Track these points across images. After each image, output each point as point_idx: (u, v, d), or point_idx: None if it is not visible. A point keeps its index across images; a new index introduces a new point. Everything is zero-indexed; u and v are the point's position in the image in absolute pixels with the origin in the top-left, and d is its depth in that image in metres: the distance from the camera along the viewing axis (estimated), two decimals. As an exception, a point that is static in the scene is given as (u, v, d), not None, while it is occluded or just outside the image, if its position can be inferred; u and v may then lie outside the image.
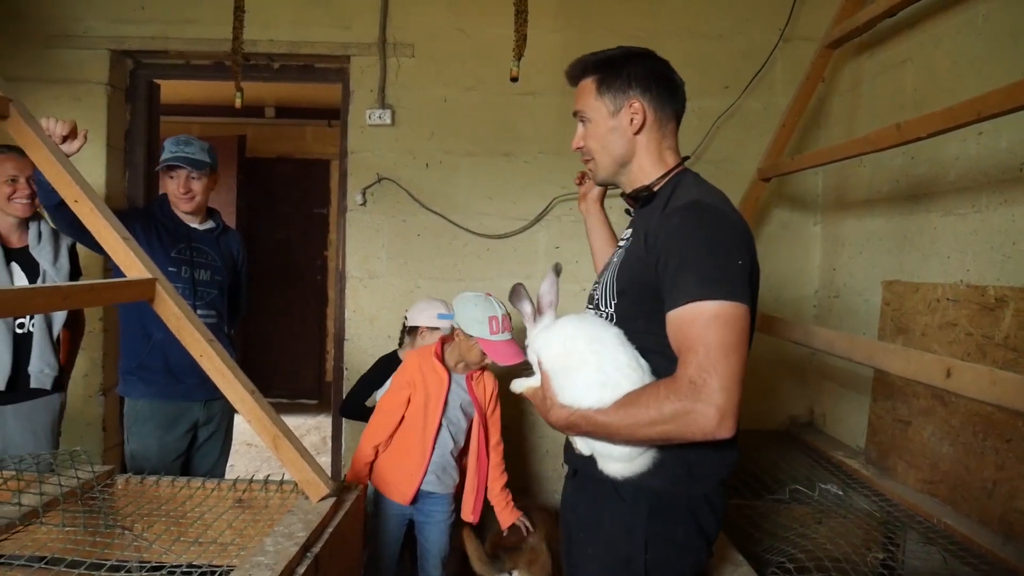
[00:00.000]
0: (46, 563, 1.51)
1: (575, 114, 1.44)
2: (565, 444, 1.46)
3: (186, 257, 2.48)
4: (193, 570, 1.55)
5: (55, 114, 3.02)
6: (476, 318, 2.18)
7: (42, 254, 2.31)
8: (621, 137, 1.37)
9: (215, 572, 1.52)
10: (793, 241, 3.15)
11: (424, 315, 2.56)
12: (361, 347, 3.19)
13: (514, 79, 2.17)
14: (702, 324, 1.12)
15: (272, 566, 1.42)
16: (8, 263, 2.23)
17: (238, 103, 2.63)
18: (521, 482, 3.17)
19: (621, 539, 1.30)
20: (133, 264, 1.77)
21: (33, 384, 2.31)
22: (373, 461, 2.32)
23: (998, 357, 1.85)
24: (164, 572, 1.54)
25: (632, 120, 1.35)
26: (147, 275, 1.75)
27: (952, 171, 2.14)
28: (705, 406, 1.09)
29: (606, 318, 1.36)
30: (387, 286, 3.17)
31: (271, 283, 6.12)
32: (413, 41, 3.12)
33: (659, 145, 1.38)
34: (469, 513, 2.34)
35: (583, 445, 1.34)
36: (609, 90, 1.36)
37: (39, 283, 2.23)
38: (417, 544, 2.41)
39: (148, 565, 1.59)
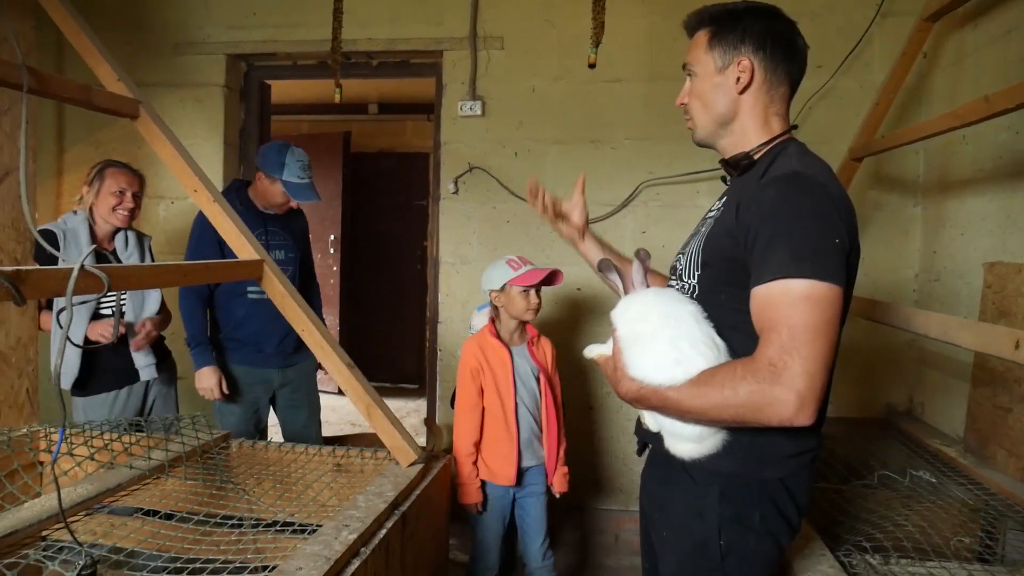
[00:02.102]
0: (169, 512, 1.71)
1: (684, 67, 1.35)
2: (637, 418, 1.41)
3: (263, 241, 2.71)
4: (294, 524, 1.71)
5: (180, 114, 3.37)
6: (498, 273, 2.32)
7: (130, 260, 2.53)
8: (725, 95, 1.28)
9: (310, 527, 1.67)
10: (891, 223, 3.03)
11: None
12: (453, 329, 3.33)
13: (591, 66, 2.22)
14: (788, 303, 1.06)
15: (363, 519, 1.56)
16: (100, 253, 2.45)
17: (337, 98, 2.82)
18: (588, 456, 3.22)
19: (693, 522, 1.26)
20: (244, 247, 1.95)
21: (143, 377, 2.57)
22: (476, 459, 2.36)
23: (1105, 340, 1.75)
24: (268, 524, 1.71)
25: (739, 78, 1.25)
26: (256, 257, 1.94)
27: (1060, 145, 2.03)
28: (784, 391, 1.03)
29: (688, 290, 1.31)
30: (478, 271, 3.28)
31: (374, 272, 6.41)
32: (502, 34, 3.21)
33: (766, 109, 1.28)
34: (552, 480, 2.38)
35: (651, 421, 1.30)
36: (720, 44, 1.27)
37: None
38: (517, 523, 2.44)
39: (255, 518, 1.77)
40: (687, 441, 1.23)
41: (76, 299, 1.33)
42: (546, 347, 2.45)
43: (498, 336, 2.37)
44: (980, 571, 1.50)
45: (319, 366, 2.62)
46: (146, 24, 3.45)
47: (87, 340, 2.38)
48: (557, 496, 2.41)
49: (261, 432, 2.87)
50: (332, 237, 5.81)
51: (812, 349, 1.04)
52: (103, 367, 2.49)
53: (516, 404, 2.32)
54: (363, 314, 6.34)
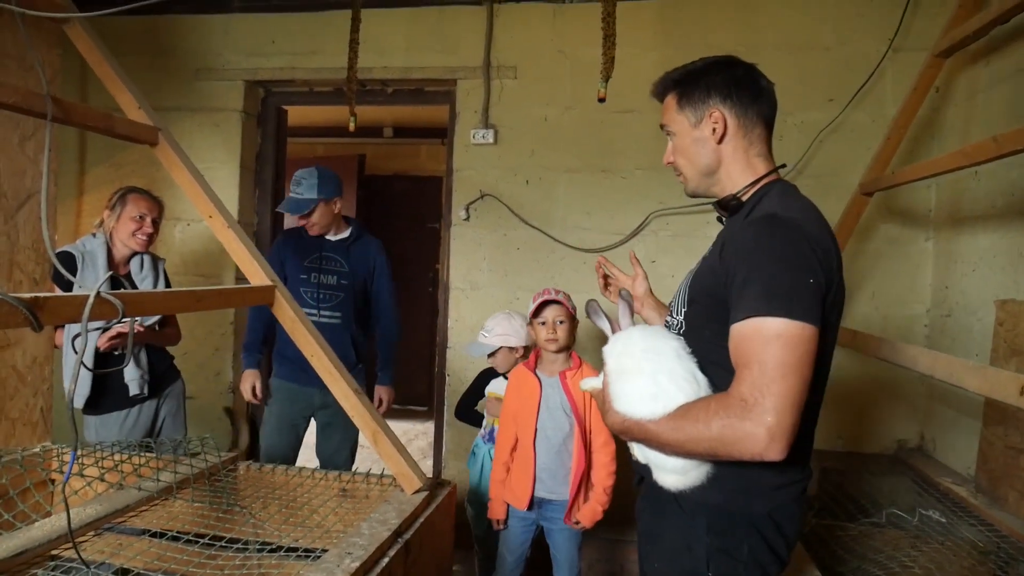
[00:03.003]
0: (176, 534, 1.73)
1: (662, 127, 1.43)
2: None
3: (316, 265, 2.87)
4: (298, 549, 1.73)
5: (199, 138, 3.43)
6: (526, 314, 2.45)
7: (144, 283, 2.58)
8: (704, 147, 1.35)
9: (315, 551, 1.69)
10: (902, 258, 3.03)
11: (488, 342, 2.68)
12: (462, 354, 3.35)
13: (601, 100, 2.25)
14: (761, 341, 1.09)
15: (366, 547, 1.57)
16: (117, 280, 2.49)
17: (351, 126, 2.87)
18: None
19: (682, 553, 1.29)
20: (256, 272, 1.99)
21: (132, 391, 2.55)
22: (505, 479, 2.43)
23: (1114, 381, 1.74)
24: (274, 548, 1.72)
25: (714, 130, 1.32)
26: (268, 282, 1.97)
27: (1069, 184, 2.03)
28: (755, 426, 1.05)
29: (677, 326, 1.37)
30: (488, 297, 3.32)
31: (386, 294, 6.44)
32: (515, 63, 3.27)
33: (746, 152, 1.34)
34: (571, 514, 2.35)
35: (639, 452, 1.34)
36: (689, 102, 1.34)
37: None
38: (551, 554, 2.47)
39: (261, 542, 1.78)
40: (671, 473, 1.27)
41: (91, 324, 1.36)
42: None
43: (536, 366, 2.40)
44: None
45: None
46: (168, 50, 3.54)
47: (98, 359, 2.42)
48: (575, 528, 2.36)
49: (296, 450, 3.00)
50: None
51: (782, 386, 1.06)
52: (114, 386, 2.52)
53: (536, 433, 2.33)
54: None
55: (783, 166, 1.39)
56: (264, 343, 2.93)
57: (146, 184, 3.18)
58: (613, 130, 3.20)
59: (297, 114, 4.43)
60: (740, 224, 1.26)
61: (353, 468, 2.37)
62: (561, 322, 2.34)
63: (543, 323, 2.35)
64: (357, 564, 1.47)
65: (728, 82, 1.32)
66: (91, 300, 1.31)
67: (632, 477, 1.45)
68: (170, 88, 3.51)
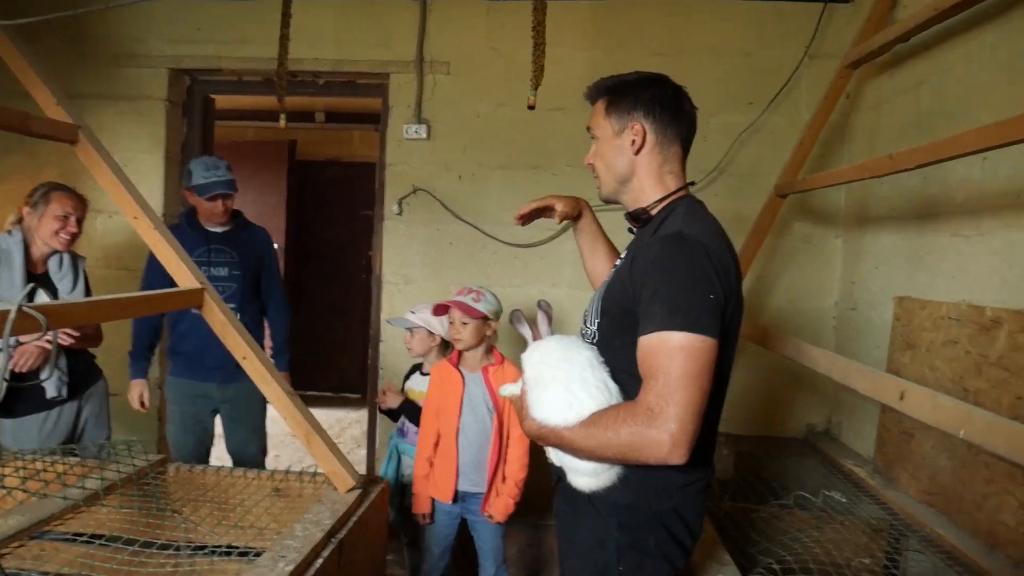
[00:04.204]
0: (105, 541, 1.72)
1: (588, 130, 1.50)
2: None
3: (205, 259, 2.80)
4: (232, 550, 1.75)
5: (120, 127, 3.33)
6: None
7: (62, 282, 2.51)
8: (622, 156, 1.42)
9: (249, 553, 1.71)
10: (815, 254, 3.21)
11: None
12: (395, 348, 3.38)
13: (531, 107, 2.30)
14: (665, 353, 1.16)
15: (299, 549, 1.60)
16: (35, 288, 2.40)
17: (282, 123, 2.84)
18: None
19: (595, 550, 1.37)
20: (184, 275, 1.97)
21: (49, 394, 2.47)
22: (429, 474, 2.46)
23: (992, 376, 1.91)
24: (207, 551, 1.74)
25: (634, 141, 1.39)
26: (196, 285, 1.95)
27: (960, 193, 2.20)
28: (659, 433, 1.13)
29: (590, 335, 1.44)
30: (421, 291, 3.35)
31: (319, 281, 6.38)
32: (449, 59, 3.28)
33: (660, 168, 1.42)
34: (485, 506, 2.41)
35: (555, 456, 1.41)
36: (616, 111, 1.42)
37: None
38: (475, 546, 2.53)
39: (194, 545, 1.79)
40: (584, 475, 1.35)
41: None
42: (508, 373, 2.41)
43: (459, 362, 2.44)
44: (876, 593, 1.63)
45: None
46: (84, 33, 3.40)
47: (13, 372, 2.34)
48: (489, 520, 2.43)
49: (207, 444, 2.98)
50: (276, 246, 5.75)
51: (684, 396, 1.14)
52: (31, 389, 2.44)
53: (458, 429, 2.38)
54: (307, 323, 6.29)
55: (692, 184, 1.48)
56: (150, 349, 2.90)
57: (64, 174, 3.08)
58: (545, 128, 3.26)
59: (225, 97, 4.32)
60: (648, 240, 1.34)
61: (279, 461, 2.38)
62: (464, 323, 2.39)
63: (451, 322, 2.42)
64: (291, 568, 1.50)
65: (654, 99, 1.41)
66: (12, 315, 1.29)
67: (549, 473, 1.53)
68: (88, 74, 3.38)
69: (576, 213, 1.76)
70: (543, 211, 1.74)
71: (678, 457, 1.14)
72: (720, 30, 3.20)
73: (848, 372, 1.58)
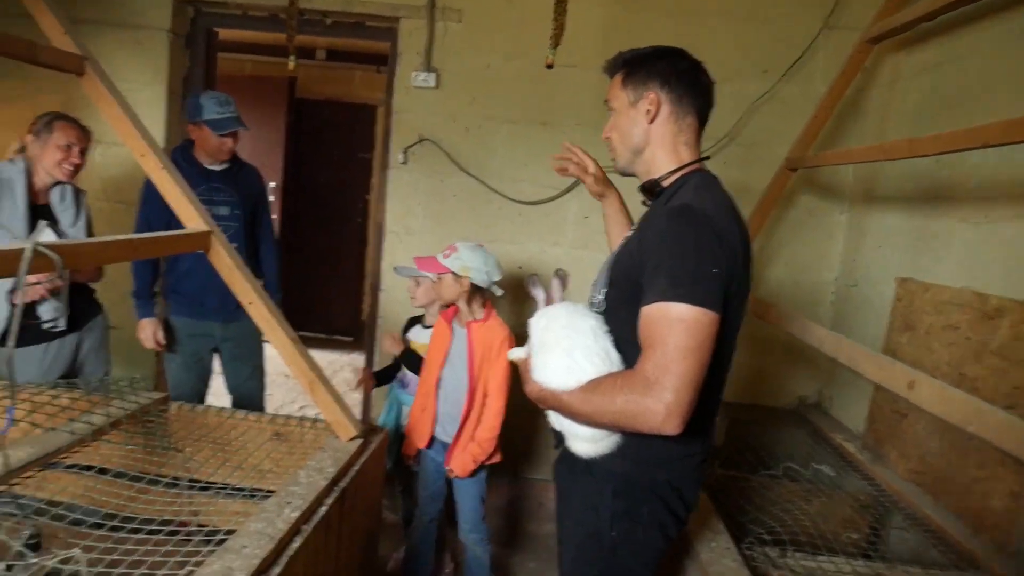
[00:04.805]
0: (112, 475, 1.74)
1: (606, 103, 1.52)
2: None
3: (207, 197, 2.76)
4: (235, 492, 1.78)
5: (120, 57, 3.24)
6: None
7: (64, 214, 2.48)
8: (637, 126, 1.44)
9: (254, 495, 1.74)
10: (818, 227, 3.21)
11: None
12: (395, 298, 3.38)
13: (549, 66, 2.26)
14: (665, 325, 1.18)
15: (304, 496, 1.63)
16: (34, 218, 2.39)
17: (291, 65, 2.78)
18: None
19: (589, 515, 1.42)
20: (192, 217, 1.95)
21: (47, 325, 2.46)
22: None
23: (991, 364, 1.95)
24: (210, 490, 1.77)
25: (649, 110, 1.41)
26: (204, 227, 1.94)
27: (972, 179, 2.20)
28: (654, 402, 1.15)
29: (598, 304, 1.46)
30: (422, 242, 3.33)
31: (314, 223, 6.33)
32: (461, 7, 3.20)
33: (674, 139, 1.43)
34: (451, 461, 2.43)
35: (555, 420, 1.45)
36: (632, 82, 1.44)
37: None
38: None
39: (198, 484, 1.82)
40: (584, 441, 1.40)
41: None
42: (493, 332, 2.40)
43: (455, 316, 2.47)
44: (863, 566, 1.69)
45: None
46: (88, -45, 3.27)
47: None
48: (450, 475, 2.46)
49: (206, 382, 2.99)
50: (273, 185, 5.69)
51: (682, 367, 1.16)
52: (33, 320, 2.44)
53: (439, 380, 2.45)
54: (301, 265, 6.27)
55: (707, 158, 1.48)
56: (153, 285, 2.86)
57: (64, 101, 3.01)
58: (555, 83, 3.20)
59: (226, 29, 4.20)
60: (658, 212, 1.36)
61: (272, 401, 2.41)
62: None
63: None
64: (297, 514, 1.54)
65: (670, 70, 1.41)
66: (27, 254, 1.28)
67: (552, 434, 1.56)
68: (88, -2, 3.27)
69: (600, 196, 1.81)
70: (579, 172, 1.78)
71: (671, 427, 1.16)
72: (740, -7, 3.13)
73: (854, 355, 1.60)
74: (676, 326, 1.17)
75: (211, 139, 2.74)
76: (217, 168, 2.83)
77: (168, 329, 2.86)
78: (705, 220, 1.25)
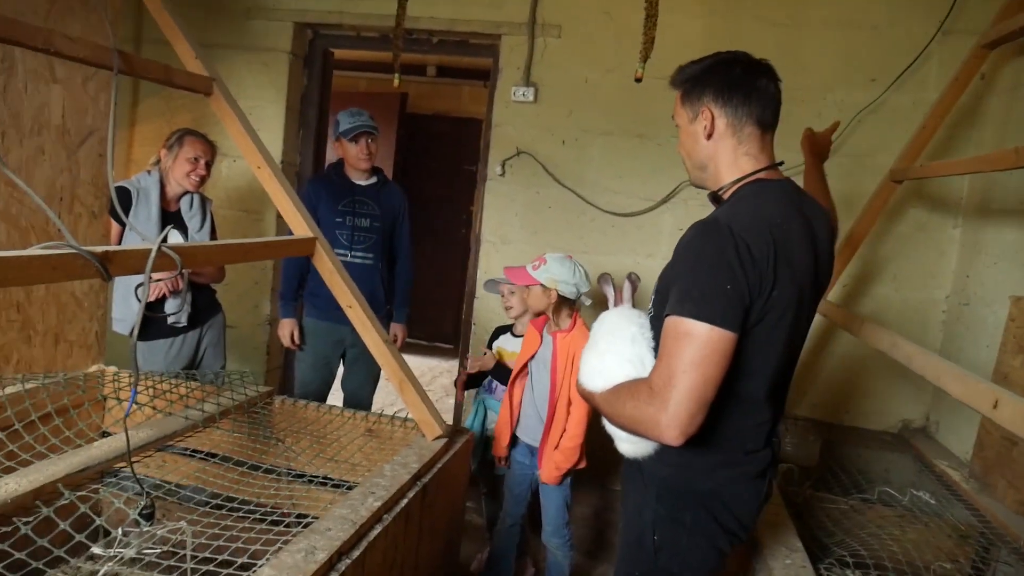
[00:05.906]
0: (219, 460, 1.91)
1: (673, 119, 1.52)
2: None
3: (350, 208, 3.00)
4: (328, 481, 1.91)
5: (248, 77, 3.53)
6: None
7: (192, 220, 2.72)
8: (698, 142, 1.42)
9: (342, 485, 1.86)
10: (928, 243, 3.05)
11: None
12: (488, 306, 3.48)
13: (638, 80, 2.28)
14: (673, 338, 1.20)
15: (387, 487, 1.73)
16: (165, 224, 2.62)
17: (396, 82, 2.94)
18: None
19: (636, 516, 1.44)
20: (300, 224, 2.11)
21: (170, 321, 2.69)
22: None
23: (1110, 390, 1.80)
24: (305, 479, 1.90)
25: (705, 127, 1.39)
26: (310, 234, 2.09)
27: (1097, 191, 2.05)
28: (655, 411, 1.18)
29: (647, 312, 1.48)
30: (517, 252, 3.42)
31: (420, 233, 6.55)
32: (560, 22, 3.28)
33: (735, 151, 1.38)
34: (540, 467, 2.46)
35: (605, 421, 1.46)
36: (689, 99, 1.42)
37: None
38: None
39: (294, 472, 1.96)
40: (623, 442, 1.43)
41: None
42: (576, 342, 2.41)
43: (545, 324, 2.51)
44: (950, 597, 1.61)
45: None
46: (220, -13, 3.60)
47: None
48: (541, 481, 2.48)
49: (329, 384, 3.19)
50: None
51: (685, 380, 1.17)
52: (160, 314, 2.69)
53: (525, 386, 2.51)
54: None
55: (780, 163, 1.42)
56: (298, 289, 3.08)
57: (195, 118, 3.31)
58: (651, 97, 3.20)
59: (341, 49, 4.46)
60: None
61: (373, 403, 2.54)
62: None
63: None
64: (379, 503, 1.63)
65: (722, 83, 1.37)
66: (153, 254, 1.44)
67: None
68: (221, 26, 3.58)
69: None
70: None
71: (670, 437, 1.18)
72: (846, 0, 3.03)
73: (940, 373, 1.53)
74: (683, 340, 1.19)
75: (350, 149, 2.97)
76: (363, 183, 3.05)
77: (302, 330, 3.09)
78: (727, 234, 1.22)
